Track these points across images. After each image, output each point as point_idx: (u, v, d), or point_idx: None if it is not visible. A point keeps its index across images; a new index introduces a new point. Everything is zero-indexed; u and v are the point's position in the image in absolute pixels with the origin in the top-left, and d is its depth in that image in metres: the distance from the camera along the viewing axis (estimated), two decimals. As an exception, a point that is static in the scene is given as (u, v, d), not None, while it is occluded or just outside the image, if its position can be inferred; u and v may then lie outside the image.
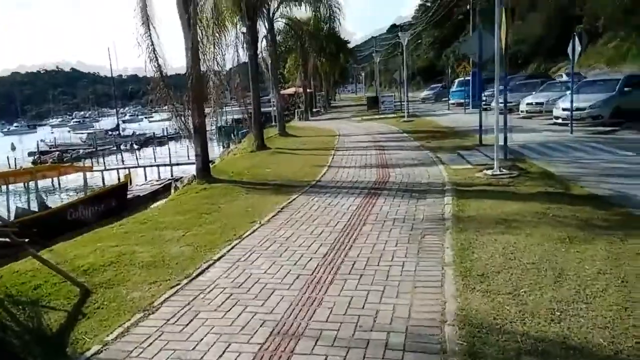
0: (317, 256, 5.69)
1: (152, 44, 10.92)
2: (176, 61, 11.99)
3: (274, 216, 7.84)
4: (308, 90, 40.34)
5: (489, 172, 9.29)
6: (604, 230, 5.74)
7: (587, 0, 42.69)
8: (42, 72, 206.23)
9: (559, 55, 46.95)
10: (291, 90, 46.76)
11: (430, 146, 14.85)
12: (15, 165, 34.54)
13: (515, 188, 8.24)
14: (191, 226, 7.69)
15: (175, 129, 12.92)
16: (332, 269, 5.21)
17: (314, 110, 42.60)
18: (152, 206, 16.37)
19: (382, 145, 16.30)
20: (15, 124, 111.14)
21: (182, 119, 11.68)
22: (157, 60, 10.94)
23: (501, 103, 10.21)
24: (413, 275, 4.84)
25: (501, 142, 10.11)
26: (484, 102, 28.21)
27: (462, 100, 32.41)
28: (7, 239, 5.15)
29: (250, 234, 6.91)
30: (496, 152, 9.36)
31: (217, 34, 12.93)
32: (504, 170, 9.23)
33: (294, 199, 8.97)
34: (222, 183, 11.41)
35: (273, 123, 29.63)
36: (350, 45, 59.94)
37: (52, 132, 71.20)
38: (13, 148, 56.46)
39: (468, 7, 33.11)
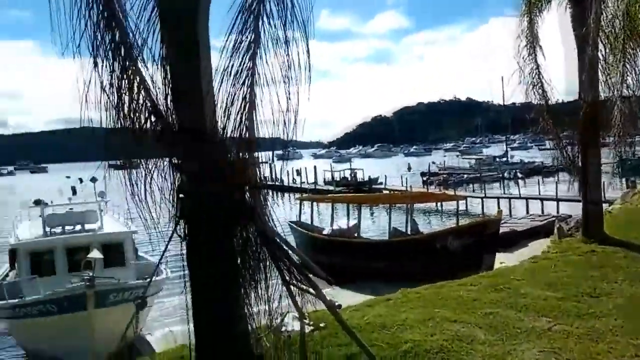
0: None
1: (537, 67, 9.04)
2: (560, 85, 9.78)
3: None
4: None
5: None
6: None
7: None
8: (441, 102, 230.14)
9: None
10: None
11: None
12: (406, 185, 37.90)
13: None
14: (562, 313, 5.42)
15: (558, 163, 10.48)
16: None
17: None
18: (521, 250, 14.08)
19: None
20: (414, 147, 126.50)
21: (567, 152, 9.23)
22: (541, 85, 8.98)
23: None
24: None
25: None
26: None
27: None
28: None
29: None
30: None
31: (630, 49, 9.77)
32: None
33: None
34: (619, 247, 8.24)
35: None
36: None
37: (444, 156, 76.57)
38: (409, 168, 63.95)
39: None
